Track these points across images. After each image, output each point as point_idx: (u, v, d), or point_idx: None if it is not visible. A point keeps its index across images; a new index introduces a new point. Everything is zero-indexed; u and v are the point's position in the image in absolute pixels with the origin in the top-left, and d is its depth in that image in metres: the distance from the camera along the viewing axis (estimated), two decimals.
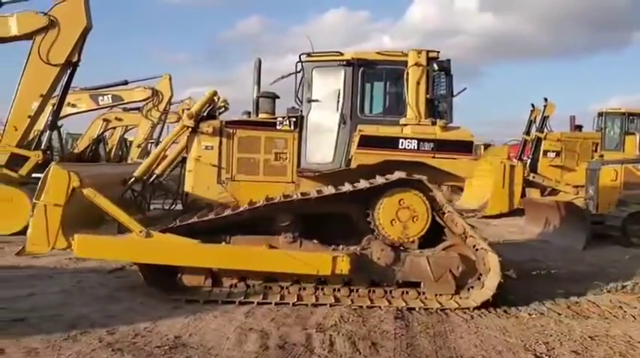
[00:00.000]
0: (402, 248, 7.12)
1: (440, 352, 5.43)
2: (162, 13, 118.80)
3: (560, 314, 6.81)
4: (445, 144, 7.56)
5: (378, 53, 7.90)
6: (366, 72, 7.85)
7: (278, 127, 7.94)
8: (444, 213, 7.18)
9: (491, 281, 6.82)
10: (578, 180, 16.46)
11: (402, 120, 7.77)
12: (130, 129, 25.97)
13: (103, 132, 25.29)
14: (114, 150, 26.80)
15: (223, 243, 6.92)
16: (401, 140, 7.53)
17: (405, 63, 7.77)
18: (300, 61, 7.93)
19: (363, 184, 7.04)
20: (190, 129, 7.81)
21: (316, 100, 7.93)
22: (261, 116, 8.29)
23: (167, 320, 6.02)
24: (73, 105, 20.88)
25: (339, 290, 7.08)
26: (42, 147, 12.94)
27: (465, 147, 7.68)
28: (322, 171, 7.80)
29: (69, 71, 12.13)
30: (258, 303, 6.69)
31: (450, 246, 7.29)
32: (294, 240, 7.02)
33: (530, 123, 19.49)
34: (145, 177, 8.10)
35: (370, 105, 8.09)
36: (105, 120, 24.54)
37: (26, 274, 8.04)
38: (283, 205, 7.08)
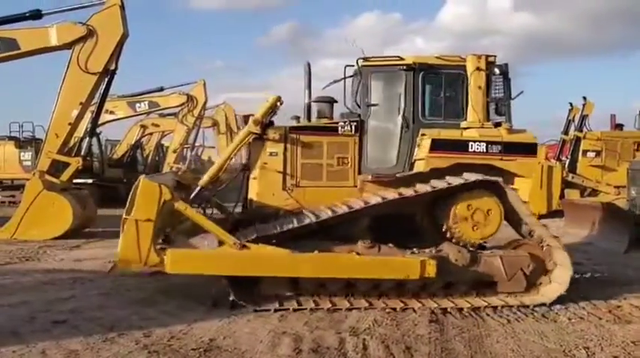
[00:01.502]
0: (476, 249, 7.33)
1: (475, 357, 5.35)
2: (197, 19, 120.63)
3: (600, 319, 6.63)
4: (512, 146, 7.66)
5: (438, 58, 7.98)
6: (426, 76, 7.91)
7: (340, 132, 7.90)
8: (514, 213, 7.40)
9: (562, 276, 7.10)
10: (619, 181, 15.99)
11: (464, 124, 7.87)
12: (167, 134, 26.46)
13: (140, 138, 25.85)
14: (151, 155, 27.35)
15: (316, 251, 6.73)
16: (470, 143, 7.60)
17: (464, 67, 7.86)
18: (358, 65, 7.93)
19: (452, 182, 7.18)
20: (254, 135, 7.65)
21: (376, 104, 7.95)
22: (320, 121, 8.25)
23: (202, 323, 6.10)
24: (111, 113, 21.43)
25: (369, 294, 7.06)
26: (82, 153, 13.32)
27: (529, 149, 7.85)
28: (397, 176, 7.75)
29: (107, 79, 12.45)
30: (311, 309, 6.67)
31: (519, 245, 7.54)
32: (372, 245, 7.03)
33: (569, 122, 19.08)
34: (210, 186, 7.96)
35: (431, 109, 8.06)
36: (142, 126, 25.10)
37: (68, 277, 8.28)
38: (380, 207, 7.17)
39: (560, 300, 7.12)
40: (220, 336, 5.71)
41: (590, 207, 13.15)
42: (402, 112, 7.89)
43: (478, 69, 7.75)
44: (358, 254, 6.85)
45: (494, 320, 6.53)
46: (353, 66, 8.22)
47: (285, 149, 7.76)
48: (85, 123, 14.13)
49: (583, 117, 18.53)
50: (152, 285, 7.80)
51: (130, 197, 6.45)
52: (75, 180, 14.32)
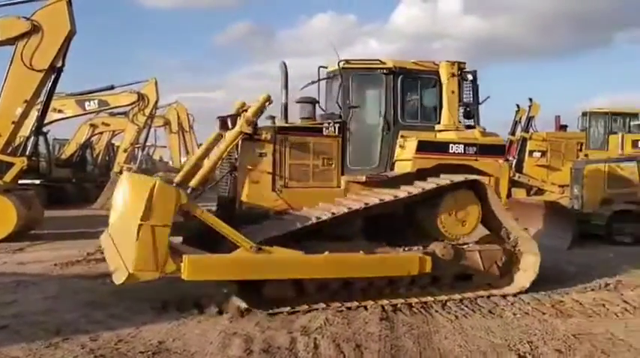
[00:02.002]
0: (458, 244, 7.78)
1: (424, 353, 5.45)
2: (150, 17, 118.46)
3: (544, 314, 6.86)
4: (485, 147, 8.23)
5: (414, 63, 8.32)
6: (404, 80, 8.22)
7: (324, 133, 7.98)
8: (491, 210, 7.88)
9: (532, 263, 7.77)
10: (563, 180, 16.56)
11: (438, 126, 8.27)
12: (117, 134, 25.89)
13: (90, 138, 25.22)
14: (101, 155, 26.72)
15: (326, 253, 6.74)
16: (450, 145, 8.05)
17: (437, 72, 8.28)
18: (339, 68, 8.05)
19: (440, 182, 7.55)
20: (245, 136, 7.53)
21: (357, 106, 8.14)
22: (304, 121, 8.29)
23: (151, 326, 6.00)
24: (59, 111, 20.79)
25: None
26: (27, 153, 12.89)
27: (499, 151, 8.61)
28: (388, 177, 8.03)
29: (53, 76, 12.07)
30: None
31: (490, 239, 8.19)
32: (369, 244, 7.29)
33: (516, 123, 19.59)
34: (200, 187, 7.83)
35: (409, 111, 8.38)
36: (92, 125, 24.50)
37: (11, 281, 7.99)
38: (392, 204, 7.44)
39: (511, 298, 7.40)
40: (169, 338, 5.63)
41: (536, 205, 13.57)
42: (382, 114, 8.17)
43: (452, 75, 8.20)
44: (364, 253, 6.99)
45: (443, 316, 6.67)
46: (326, 67, 8.52)
47: (274, 150, 7.73)
48: (31, 122, 13.67)
49: (529, 119, 19.06)
50: (101, 288, 7.62)
51: (145, 202, 5.91)
52: (21, 181, 13.84)
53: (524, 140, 18.92)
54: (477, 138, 8.17)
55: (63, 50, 11.71)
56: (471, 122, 8.41)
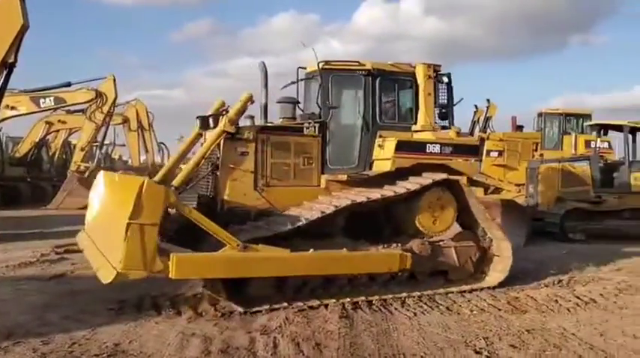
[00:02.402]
0: (435, 240, 8.01)
1: (382, 350, 5.49)
2: (110, 14, 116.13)
3: (500, 310, 7.01)
4: (460, 147, 8.49)
5: (392, 65, 8.50)
6: (382, 81, 8.40)
7: (305, 132, 8.07)
8: (467, 207, 8.15)
9: (504, 265, 8.05)
10: (519, 179, 16.93)
11: (414, 127, 8.48)
12: (74, 132, 25.26)
13: (45, 136, 24.55)
14: (57, 154, 26.04)
15: (311, 250, 6.87)
16: (428, 144, 8.25)
17: (413, 74, 8.50)
18: (319, 69, 8.16)
19: (428, 179, 7.81)
20: (227, 135, 7.52)
21: (336, 107, 8.29)
22: (284, 121, 8.38)
23: (107, 328, 5.88)
24: (13, 108, 20.19)
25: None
26: None
27: (474, 151, 8.90)
28: (369, 176, 8.18)
29: (5, 73, 11.68)
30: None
31: (464, 235, 8.37)
32: (350, 242, 7.42)
33: (474, 123, 19.96)
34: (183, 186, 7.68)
35: (387, 112, 8.57)
36: (47, 123, 23.83)
37: None
38: (376, 203, 7.59)
39: (468, 295, 7.51)
40: (126, 340, 5.52)
41: (493, 204, 13.81)
42: (361, 115, 8.34)
43: (429, 77, 8.43)
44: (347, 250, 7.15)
45: (402, 313, 6.75)
46: (305, 68, 8.66)
47: (256, 149, 7.77)
48: None
49: (487, 119, 19.46)
50: (54, 289, 7.46)
51: (133, 201, 5.89)
52: None
53: (481, 140, 19.24)
54: (453, 139, 8.45)
55: (15, 45, 11.33)
56: (445, 123, 8.65)
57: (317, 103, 8.25)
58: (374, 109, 8.32)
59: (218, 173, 7.71)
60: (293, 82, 8.71)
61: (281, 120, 8.42)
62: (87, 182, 22.32)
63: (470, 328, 6.25)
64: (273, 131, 8.00)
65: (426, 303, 7.16)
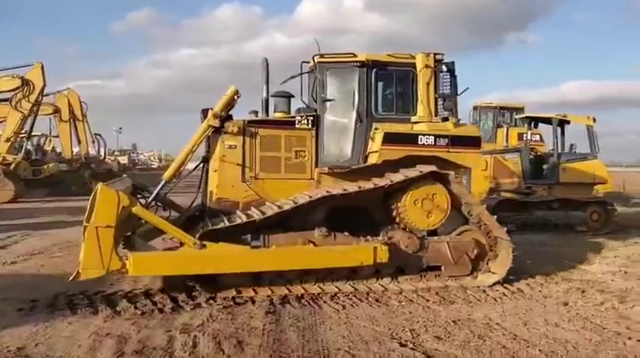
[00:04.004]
0: (424, 235, 7.86)
1: (307, 346, 5.35)
2: (47, 1, 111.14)
3: (428, 301, 7.02)
4: (458, 139, 8.15)
5: (389, 55, 8.27)
6: (378, 73, 8.23)
7: (297, 126, 8.07)
8: (461, 202, 7.98)
9: (503, 264, 7.87)
10: None
11: (414, 118, 8.25)
12: (0, 122, 23.93)
13: None
14: None
15: (273, 246, 7.03)
16: (420, 136, 7.99)
17: (413, 64, 8.24)
18: (314, 61, 8.19)
19: (400, 176, 7.61)
20: (213, 129, 7.66)
21: (331, 100, 8.20)
22: (277, 115, 8.42)
23: (13, 330, 5.50)
24: None
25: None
26: None
27: (474, 142, 8.40)
28: (352, 167, 8.04)
29: None
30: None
31: (464, 231, 8.15)
32: (328, 233, 7.34)
33: None
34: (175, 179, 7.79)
35: (383, 104, 8.43)
36: None
37: None
38: (338, 199, 7.44)
39: (397, 287, 7.42)
40: (32, 343, 5.17)
41: None
42: (356, 107, 8.17)
43: (427, 66, 8.17)
44: (315, 244, 7.18)
45: (330, 307, 6.64)
46: (309, 62, 8.50)
47: (244, 142, 7.85)
48: None
49: None
50: None
51: (89, 204, 6.35)
52: None
53: None
54: (449, 129, 8.14)
55: None
56: (448, 114, 8.35)
57: (312, 96, 8.32)
58: (369, 101, 8.16)
59: (208, 166, 7.95)
60: (293, 77, 8.70)
61: (275, 114, 8.44)
62: (13, 174, 21.25)
63: (397, 320, 6.21)
64: (262, 124, 8.03)
65: (355, 296, 7.08)
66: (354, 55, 8.20)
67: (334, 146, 8.24)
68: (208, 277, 6.92)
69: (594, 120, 14.35)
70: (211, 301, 6.65)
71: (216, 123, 7.61)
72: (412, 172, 7.67)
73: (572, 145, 14.82)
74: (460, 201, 7.98)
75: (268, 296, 6.92)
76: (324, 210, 7.59)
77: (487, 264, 7.98)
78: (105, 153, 31.08)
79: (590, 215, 13.76)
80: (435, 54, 8.27)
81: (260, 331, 5.70)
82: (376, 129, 8.02)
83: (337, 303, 6.77)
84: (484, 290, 7.53)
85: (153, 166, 69.82)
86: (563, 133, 14.50)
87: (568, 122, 14.60)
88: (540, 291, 7.61)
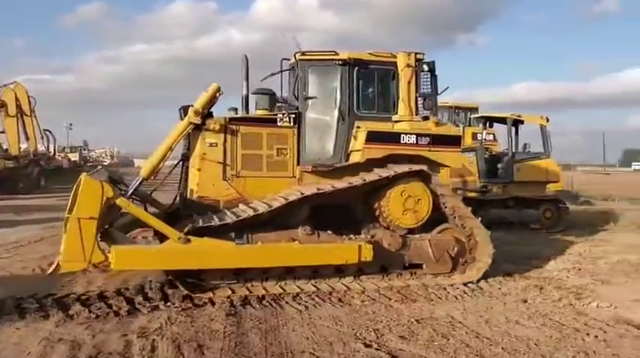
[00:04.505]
0: (407, 233, 7.85)
1: (270, 348, 5.22)
2: None
3: (390, 299, 6.99)
4: (439, 138, 8.17)
5: (370, 54, 8.25)
6: (360, 71, 8.18)
7: (279, 124, 7.96)
8: (440, 198, 8.02)
9: (484, 253, 7.99)
10: None
11: (395, 117, 8.22)
12: None
13: None
14: None
15: (259, 243, 6.96)
16: (402, 135, 7.98)
17: (394, 63, 8.22)
18: (296, 59, 8.09)
19: (387, 172, 7.66)
20: (193, 126, 7.53)
21: (313, 97, 8.10)
22: (258, 112, 8.24)
23: None
24: None
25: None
26: None
27: (455, 141, 8.47)
28: (335, 166, 7.98)
29: None
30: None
31: (444, 229, 8.16)
32: (312, 232, 7.30)
33: None
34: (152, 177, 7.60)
35: (365, 102, 8.31)
36: None
37: None
38: (314, 198, 7.38)
39: (360, 286, 7.36)
40: None
41: None
42: (338, 105, 8.12)
43: (408, 65, 8.14)
44: (293, 240, 7.16)
45: (293, 307, 6.53)
46: (289, 59, 8.41)
47: (225, 140, 7.73)
48: None
49: None
50: None
51: (71, 195, 6.26)
52: None
53: None
54: (430, 129, 8.17)
55: None
56: (428, 113, 8.42)
57: (293, 94, 8.21)
58: (351, 99, 8.10)
59: (188, 164, 7.82)
60: (273, 74, 8.61)
61: (257, 111, 8.28)
62: None
63: (360, 320, 6.15)
64: (243, 122, 7.89)
65: (317, 296, 6.99)
66: (336, 53, 8.15)
67: (316, 144, 8.18)
68: (189, 274, 6.80)
69: (547, 120, 14.70)
70: (169, 303, 6.45)
71: (198, 120, 7.47)
72: (401, 168, 7.72)
73: (525, 145, 15.14)
74: (439, 199, 8.02)
75: (228, 297, 6.75)
76: (308, 208, 7.55)
77: (467, 261, 8.07)
78: (54, 150, 30.12)
79: (544, 213, 14.08)
80: (415, 53, 8.28)
81: (221, 334, 5.53)
82: (358, 127, 7.99)
83: (299, 304, 6.66)
84: (445, 288, 7.57)
85: (104, 163, 68.17)
86: (517, 133, 14.79)
87: (522, 122, 14.90)
88: (499, 289, 7.69)
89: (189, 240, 6.54)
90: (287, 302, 6.69)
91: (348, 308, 6.60)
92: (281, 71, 8.45)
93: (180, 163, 8.00)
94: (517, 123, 14.75)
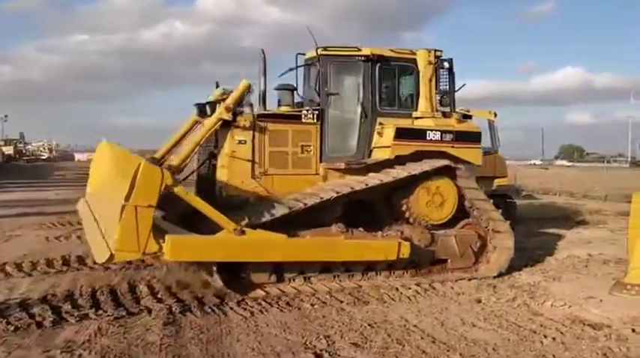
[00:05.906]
0: (434, 229, 7.91)
1: None
2: None
3: (342, 302, 6.63)
4: (462, 135, 8.28)
5: (392, 50, 8.30)
6: (382, 67, 8.20)
7: (303, 120, 7.89)
8: (465, 196, 8.07)
9: (507, 245, 8.06)
10: None
11: (415, 114, 8.30)
12: None
13: None
14: None
15: (308, 236, 6.95)
16: (428, 132, 8.07)
17: (414, 60, 8.31)
18: (317, 54, 8.01)
19: (423, 167, 7.71)
20: (222, 122, 7.43)
21: (336, 93, 8.08)
22: (282, 109, 8.23)
23: None
24: None
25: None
26: None
27: (476, 138, 8.56)
28: (367, 163, 7.97)
29: None
30: None
31: (466, 225, 8.23)
32: (346, 229, 7.27)
33: None
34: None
35: (386, 98, 8.41)
36: None
37: None
38: (374, 189, 7.48)
39: (310, 288, 6.96)
40: None
41: None
42: (360, 102, 8.13)
43: (429, 62, 8.24)
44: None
45: (238, 314, 6.07)
46: (304, 54, 8.46)
47: (254, 137, 7.62)
48: None
49: None
50: None
51: (129, 182, 5.70)
52: None
53: None
54: (454, 126, 8.25)
55: None
56: (447, 109, 8.45)
57: (315, 90, 8.14)
58: (373, 96, 8.12)
59: (215, 161, 7.74)
60: (291, 69, 8.56)
61: (281, 108, 8.26)
62: None
63: (311, 326, 5.76)
64: (271, 118, 7.81)
65: (264, 300, 6.54)
66: (359, 49, 8.10)
67: (339, 140, 8.16)
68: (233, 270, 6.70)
69: (495, 115, 14.68)
70: (100, 311, 5.88)
71: (228, 116, 7.36)
72: (437, 162, 7.82)
73: None
74: (464, 195, 8.07)
75: (166, 304, 6.22)
76: (342, 205, 7.49)
77: (492, 251, 8.12)
78: None
79: None
80: (435, 50, 8.35)
81: (157, 347, 5.02)
82: (381, 124, 8.04)
83: (245, 309, 6.20)
84: (397, 289, 7.26)
85: (42, 157, 65.43)
86: None
87: (470, 117, 14.79)
88: (452, 288, 7.46)
89: (243, 232, 6.36)
90: (231, 308, 6.24)
91: (298, 312, 6.20)
92: (296, 67, 8.42)
93: (207, 161, 7.96)
94: (465, 118, 14.65)
